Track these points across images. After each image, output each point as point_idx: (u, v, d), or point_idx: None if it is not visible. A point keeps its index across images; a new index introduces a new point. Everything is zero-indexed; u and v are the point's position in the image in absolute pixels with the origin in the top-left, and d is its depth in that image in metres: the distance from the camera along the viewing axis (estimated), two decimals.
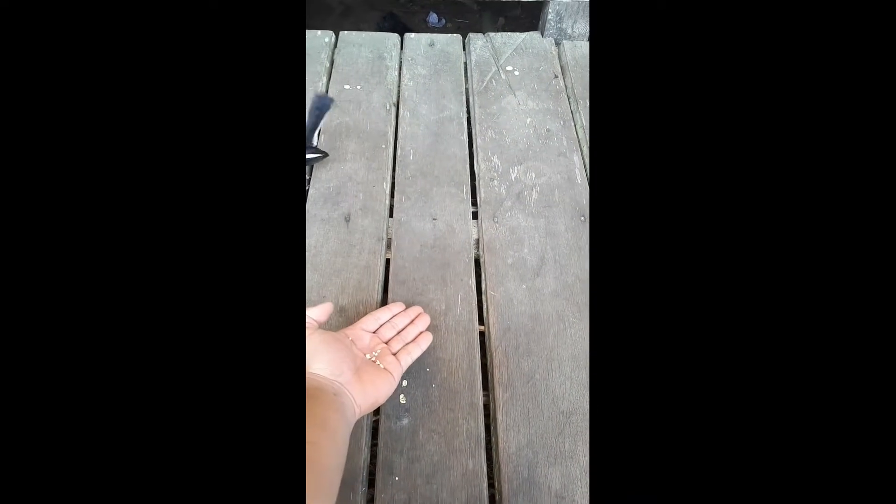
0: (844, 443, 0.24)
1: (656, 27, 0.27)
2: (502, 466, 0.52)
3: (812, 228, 0.25)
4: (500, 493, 0.51)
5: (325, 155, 0.75)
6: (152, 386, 0.25)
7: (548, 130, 0.84)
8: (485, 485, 0.51)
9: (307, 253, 0.67)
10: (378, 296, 0.64)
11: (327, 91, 0.88)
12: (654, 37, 0.27)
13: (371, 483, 0.52)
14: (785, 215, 0.25)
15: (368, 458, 0.53)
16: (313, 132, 0.73)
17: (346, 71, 0.91)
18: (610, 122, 0.28)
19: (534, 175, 0.77)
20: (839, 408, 0.24)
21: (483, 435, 0.54)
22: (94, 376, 0.24)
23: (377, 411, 0.56)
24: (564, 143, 0.82)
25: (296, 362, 0.27)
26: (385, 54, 0.94)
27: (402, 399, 0.56)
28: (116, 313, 0.25)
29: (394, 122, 0.84)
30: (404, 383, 0.57)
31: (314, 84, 0.88)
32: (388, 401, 0.55)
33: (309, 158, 0.72)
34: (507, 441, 0.54)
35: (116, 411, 0.24)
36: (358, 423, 0.54)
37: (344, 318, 0.61)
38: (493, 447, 0.54)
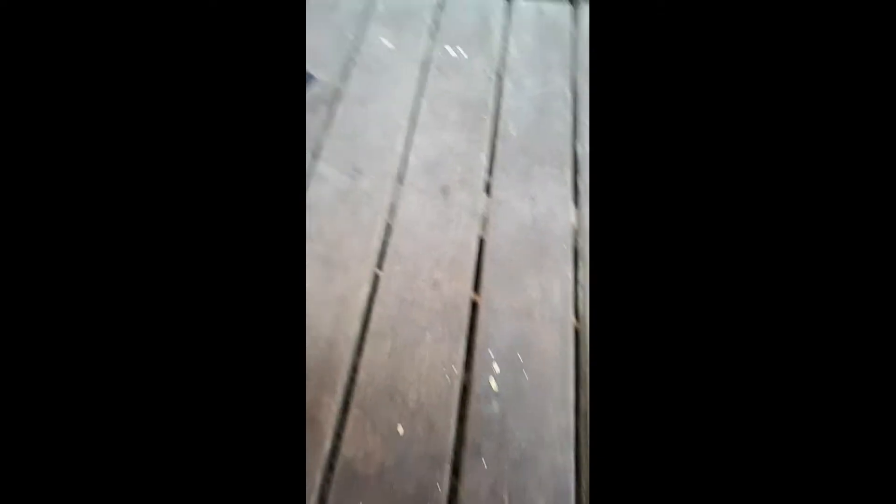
0: (840, 434, 0.24)
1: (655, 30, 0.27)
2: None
3: (809, 230, 0.25)
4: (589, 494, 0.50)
5: None
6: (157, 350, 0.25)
7: None
8: (573, 483, 0.50)
9: (402, 221, 0.66)
10: (471, 273, 0.62)
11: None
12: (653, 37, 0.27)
13: (454, 462, 0.52)
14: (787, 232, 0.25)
15: (455, 439, 0.53)
16: None
17: (451, 33, 0.87)
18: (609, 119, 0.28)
19: None
20: (833, 399, 0.24)
21: (573, 431, 0.53)
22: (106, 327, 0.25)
23: (466, 391, 0.55)
24: None
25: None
26: (491, 18, 0.89)
27: (493, 383, 0.55)
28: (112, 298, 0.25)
29: (494, 93, 0.80)
30: (496, 368, 0.56)
31: (415, 42, 0.85)
32: (478, 383, 0.55)
33: None
34: None
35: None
36: (446, 403, 0.54)
37: (438, 293, 0.60)
38: (584, 446, 0.53)
